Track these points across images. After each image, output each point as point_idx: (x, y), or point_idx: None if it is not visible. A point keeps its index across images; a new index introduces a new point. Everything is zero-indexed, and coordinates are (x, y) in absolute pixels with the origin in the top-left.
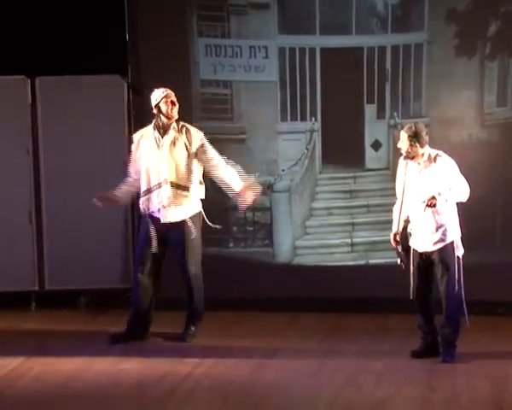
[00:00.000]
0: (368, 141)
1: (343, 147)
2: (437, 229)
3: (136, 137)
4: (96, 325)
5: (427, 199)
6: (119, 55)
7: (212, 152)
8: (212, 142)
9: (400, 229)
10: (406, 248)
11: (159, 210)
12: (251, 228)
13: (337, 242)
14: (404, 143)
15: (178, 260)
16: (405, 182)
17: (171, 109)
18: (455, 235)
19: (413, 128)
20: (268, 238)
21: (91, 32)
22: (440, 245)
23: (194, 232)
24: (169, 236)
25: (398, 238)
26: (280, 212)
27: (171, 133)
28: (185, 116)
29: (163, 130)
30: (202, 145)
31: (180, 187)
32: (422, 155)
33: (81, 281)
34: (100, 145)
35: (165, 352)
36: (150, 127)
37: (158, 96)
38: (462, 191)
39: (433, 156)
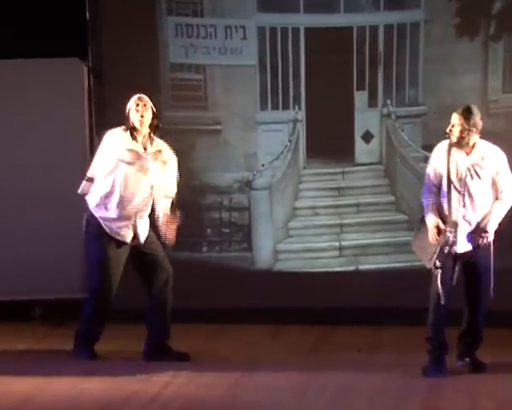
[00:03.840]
0: (358, 132)
1: (330, 139)
2: (481, 223)
3: (113, 138)
4: (52, 340)
5: (482, 235)
6: (79, 35)
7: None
8: (183, 133)
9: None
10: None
11: (126, 235)
12: (227, 230)
13: (323, 245)
14: (456, 127)
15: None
16: (449, 172)
17: (141, 117)
18: (493, 233)
19: (470, 111)
20: (246, 242)
21: (47, 10)
22: (485, 240)
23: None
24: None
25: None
26: (259, 212)
27: (154, 155)
28: (153, 105)
29: (143, 146)
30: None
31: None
32: (474, 144)
33: (35, 290)
34: (57, 135)
35: (131, 369)
36: (127, 135)
37: (130, 101)
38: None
39: (486, 148)
